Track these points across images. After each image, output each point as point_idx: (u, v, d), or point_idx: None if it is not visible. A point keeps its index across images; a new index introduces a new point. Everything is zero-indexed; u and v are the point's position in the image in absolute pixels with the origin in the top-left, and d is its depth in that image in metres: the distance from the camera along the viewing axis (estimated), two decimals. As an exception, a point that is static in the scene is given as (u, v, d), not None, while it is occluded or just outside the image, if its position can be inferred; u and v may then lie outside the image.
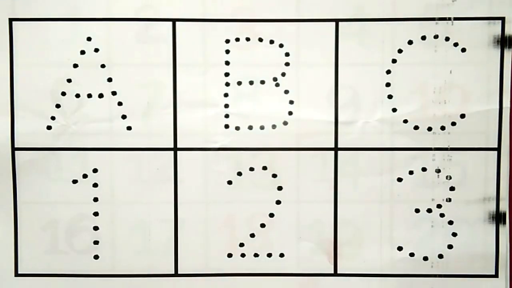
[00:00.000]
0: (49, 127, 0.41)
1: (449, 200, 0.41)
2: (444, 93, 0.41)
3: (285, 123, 0.41)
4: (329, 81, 0.41)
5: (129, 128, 0.41)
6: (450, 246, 0.41)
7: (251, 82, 0.41)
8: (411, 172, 0.41)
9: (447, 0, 0.40)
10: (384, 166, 0.41)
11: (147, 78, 0.41)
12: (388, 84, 0.41)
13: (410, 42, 0.41)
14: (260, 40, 0.41)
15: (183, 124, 0.41)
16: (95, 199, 0.41)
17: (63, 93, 0.41)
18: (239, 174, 0.41)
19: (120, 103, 0.41)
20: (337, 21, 0.41)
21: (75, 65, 0.41)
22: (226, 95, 0.41)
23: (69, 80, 0.41)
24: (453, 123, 0.41)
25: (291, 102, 0.41)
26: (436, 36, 0.41)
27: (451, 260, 0.42)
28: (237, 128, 0.41)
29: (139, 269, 0.41)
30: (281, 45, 0.41)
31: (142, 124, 0.41)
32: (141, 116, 0.41)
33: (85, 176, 0.41)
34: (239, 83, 0.41)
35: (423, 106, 0.41)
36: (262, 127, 0.41)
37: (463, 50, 0.41)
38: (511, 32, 0.40)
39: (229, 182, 0.41)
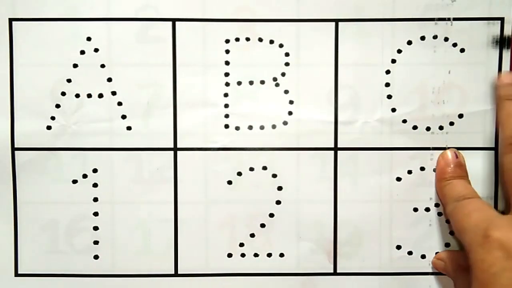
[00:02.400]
0: (49, 127, 0.41)
1: (447, 199, 0.42)
2: (442, 93, 0.41)
3: (285, 123, 0.41)
4: (328, 81, 0.41)
5: (129, 128, 0.41)
6: (447, 245, 0.42)
7: (251, 82, 0.41)
8: (409, 172, 0.42)
9: (447, 0, 0.41)
10: (383, 166, 0.41)
11: (147, 78, 0.41)
12: (387, 84, 0.41)
13: (409, 43, 0.41)
14: (260, 40, 0.41)
15: (183, 124, 0.41)
16: (95, 199, 0.41)
17: (63, 93, 0.41)
18: (239, 174, 0.41)
19: (120, 103, 0.41)
20: (337, 21, 0.41)
21: (75, 65, 0.41)
22: (226, 95, 0.41)
23: (69, 80, 0.41)
24: (451, 123, 0.41)
25: (291, 102, 0.41)
26: (435, 37, 0.41)
27: (449, 259, 0.42)
28: (237, 128, 0.41)
29: (139, 269, 0.42)
30: (281, 45, 0.41)
31: (142, 124, 0.41)
32: (141, 116, 0.41)
33: (85, 176, 0.41)
34: (239, 83, 0.41)
35: (422, 106, 0.41)
36: (262, 127, 0.41)
37: (462, 50, 0.41)
38: (510, 32, 0.41)
39: (229, 182, 0.41)
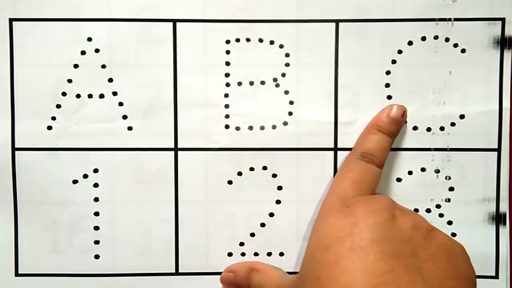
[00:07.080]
0: (49, 127, 0.41)
1: (448, 200, 0.41)
2: (443, 94, 0.41)
3: (285, 123, 0.41)
4: (329, 82, 0.41)
5: (130, 128, 0.41)
6: (449, 246, 0.42)
7: (251, 83, 0.41)
8: (410, 173, 0.41)
9: (447, 0, 0.40)
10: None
11: (148, 79, 0.41)
12: (387, 85, 0.41)
13: (410, 43, 0.41)
14: (260, 40, 0.41)
15: (184, 124, 0.41)
16: (96, 199, 0.41)
17: (64, 94, 0.41)
18: (239, 174, 0.41)
19: (121, 104, 0.41)
20: (337, 21, 0.41)
21: (76, 66, 0.41)
22: (226, 95, 0.41)
23: (69, 81, 0.41)
24: (453, 124, 0.41)
25: (291, 102, 0.41)
26: (436, 37, 0.41)
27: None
28: (237, 129, 0.41)
29: (139, 268, 0.42)
30: (281, 46, 0.41)
31: (143, 125, 0.41)
32: (142, 116, 0.41)
33: (85, 176, 0.41)
34: (240, 83, 0.41)
35: (423, 107, 0.41)
36: (262, 128, 0.41)
37: (463, 51, 0.41)
38: (511, 33, 0.40)
39: (229, 182, 0.41)
